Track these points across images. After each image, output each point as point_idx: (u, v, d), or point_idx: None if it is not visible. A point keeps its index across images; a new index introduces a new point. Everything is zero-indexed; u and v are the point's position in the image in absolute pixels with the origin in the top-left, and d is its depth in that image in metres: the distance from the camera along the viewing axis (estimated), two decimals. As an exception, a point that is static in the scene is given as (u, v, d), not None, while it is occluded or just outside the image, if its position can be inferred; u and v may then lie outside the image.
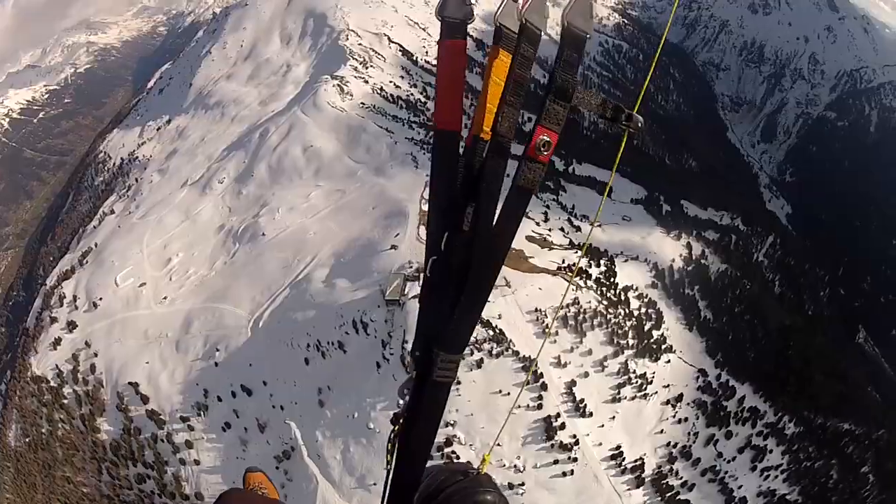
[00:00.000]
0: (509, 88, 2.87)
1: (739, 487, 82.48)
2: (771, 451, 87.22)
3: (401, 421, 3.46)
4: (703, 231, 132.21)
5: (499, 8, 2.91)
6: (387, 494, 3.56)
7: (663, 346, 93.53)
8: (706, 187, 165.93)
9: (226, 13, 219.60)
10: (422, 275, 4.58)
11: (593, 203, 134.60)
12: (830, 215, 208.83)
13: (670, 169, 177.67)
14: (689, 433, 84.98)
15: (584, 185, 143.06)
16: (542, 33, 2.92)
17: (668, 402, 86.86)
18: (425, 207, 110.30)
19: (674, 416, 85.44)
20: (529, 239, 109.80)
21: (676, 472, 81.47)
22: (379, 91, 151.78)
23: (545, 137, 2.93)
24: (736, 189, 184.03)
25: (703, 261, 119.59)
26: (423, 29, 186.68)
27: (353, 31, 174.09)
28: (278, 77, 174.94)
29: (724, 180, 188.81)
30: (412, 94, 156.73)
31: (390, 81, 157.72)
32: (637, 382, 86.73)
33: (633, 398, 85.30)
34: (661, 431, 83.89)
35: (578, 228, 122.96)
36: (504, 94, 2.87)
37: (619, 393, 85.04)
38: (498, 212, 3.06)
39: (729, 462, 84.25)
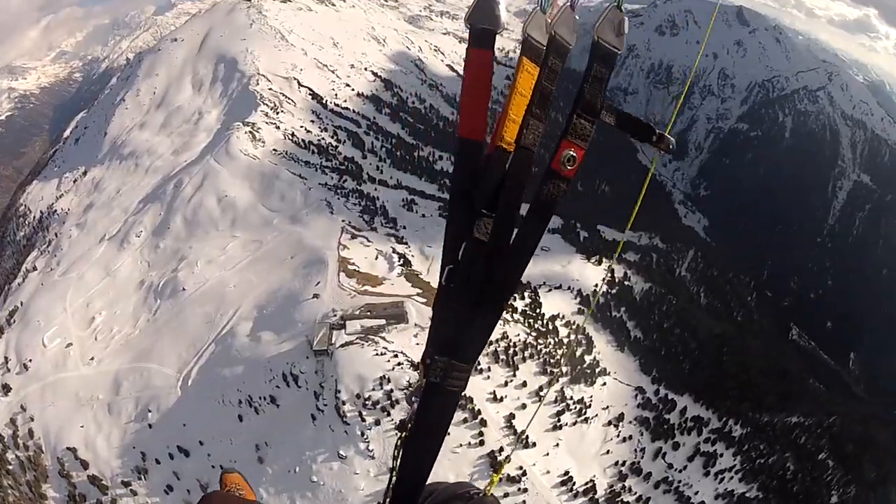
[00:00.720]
0: (535, 101, 2.88)
1: (696, 493, 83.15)
2: (721, 455, 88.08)
3: (408, 427, 3.30)
4: (623, 253, 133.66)
5: (528, 19, 2.91)
6: (387, 501, 3.45)
7: (597, 370, 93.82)
8: (620, 211, 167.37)
9: (139, 59, 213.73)
10: (438, 282, 3.04)
11: None
12: (749, 223, 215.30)
13: (584, 196, 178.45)
14: (635, 450, 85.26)
15: None
16: (571, 47, 2.98)
17: (609, 423, 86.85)
18: (343, 254, 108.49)
19: (618, 436, 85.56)
20: None
21: (629, 489, 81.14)
22: (290, 137, 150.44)
23: (570, 152, 2.92)
24: (651, 209, 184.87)
25: (626, 282, 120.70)
26: (332, 71, 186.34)
27: (263, 75, 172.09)
28: (190, 125, 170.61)
29: (637, 202, 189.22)
30: (323, 139, 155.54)
31: (301, 126, 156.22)
32: (576, 408, 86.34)
33: (574, 424, 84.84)
34: (608, 452, 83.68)
35: None
36: (530, 107, 2.88)
37: (559, 420, 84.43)
38: (520, 225, 3.00)
39: (680, 471, 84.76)
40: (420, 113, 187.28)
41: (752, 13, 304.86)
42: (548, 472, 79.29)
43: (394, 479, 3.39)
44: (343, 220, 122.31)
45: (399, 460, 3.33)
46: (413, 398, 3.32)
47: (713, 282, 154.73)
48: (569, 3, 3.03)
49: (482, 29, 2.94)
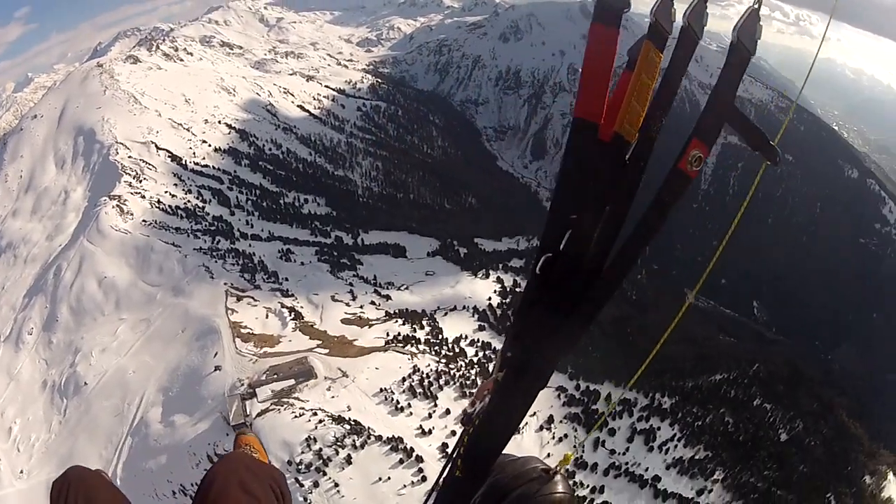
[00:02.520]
0: (664, 91, 2.80)
1: (646, 470, 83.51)
2: (659, 429, 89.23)
3: (475, 422, 3.27)
4: (507, 262, 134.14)
5: (656, 3, 2.75)
6: (436, 494, 3.53)
7: None
8: (493, 220, 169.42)
9: (3, 142, 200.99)
10: (532, 270, 2.88)
11: (392, 267, 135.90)
12: None
13: (454, 213, 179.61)
14: (574, 446, 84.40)
15: (377, 253, 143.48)
16: (700, 40, 2.82)
17: (542, 428, 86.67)
18: (233, 318, 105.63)
19: (553, 438, 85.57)
20: (346, 322, 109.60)
21: (581, 483, 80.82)
22: (157, 204, 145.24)
23: (697, 152, 2.84)
24: (521, 212, 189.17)
25: (517, 289, 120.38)
26: (188, 129, 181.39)
27: (121, 143, 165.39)
28: (59, 206, 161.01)
29: (507, 208, 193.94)
30: (189, 201, 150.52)
31: (165, 191, 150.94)
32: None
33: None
34: (549, 455, 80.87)
35: (388, 297, 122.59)
36: (658, 97, 2.77)
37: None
38: (639, 222, 2.88)
39: (624, 454, 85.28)
40: (278, 159, 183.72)
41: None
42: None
43: (450, 471, 3.37)
44: (225, 283, 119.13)
45: (464, 453, 3.26)
46: (485, 393, 3.20)
47: None
48: None
49: (608, 4, 2.74)
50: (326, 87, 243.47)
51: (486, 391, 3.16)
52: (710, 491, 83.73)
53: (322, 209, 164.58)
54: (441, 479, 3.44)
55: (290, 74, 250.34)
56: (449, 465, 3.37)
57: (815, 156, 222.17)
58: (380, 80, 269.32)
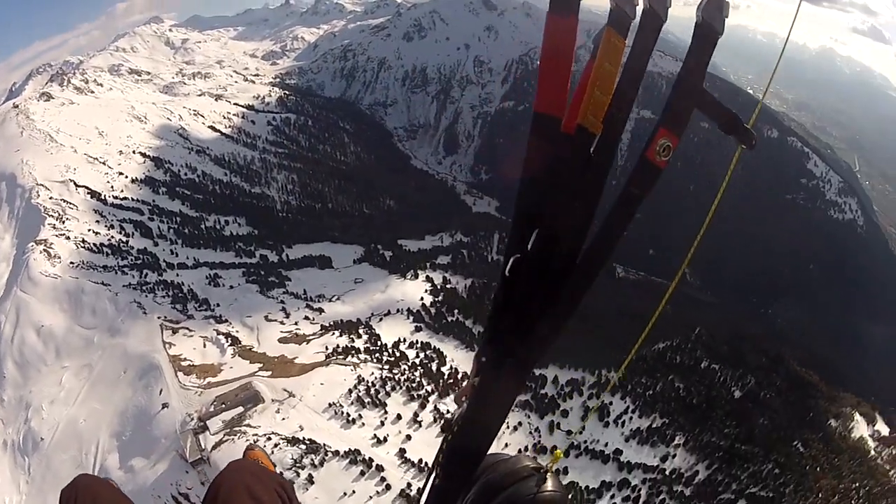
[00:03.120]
0: (626, 79, 2.65)
1: (606, 445, 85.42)
2: (611, 403, 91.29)
3: (454, 429, 3.20)
4: (433, 259, 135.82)
5: None
6: (426, 499, 3.41)
7: (459, 376, 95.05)
8: (414, 220, 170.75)
9: None
10: (500, 273, 2.78)
11: (320, 279, 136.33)
12: None
13: (374, 217, 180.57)
14: (529, 433, 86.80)
15: (303, 267, 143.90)
16: (664, 21, 2.66)
17: None
18: (172, 352, 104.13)
19: (507, 427, 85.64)
20: (283, 341, 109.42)
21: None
22: (82, 244, 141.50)
23: (666, 141, 2.73)
24: (441, 209, 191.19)
25: (448, 285, 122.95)
26: (104, 163, 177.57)
27: (41, 185, 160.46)
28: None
29: (426, 206, 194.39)
30: (112, 237, 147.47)
31: (89, 230, 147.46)
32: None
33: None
34: (506, 445, 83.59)
35: (321, 310, 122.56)
36: (620, 85, 2.63)
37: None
38: (607, 216, 2.77)
39: (581, 433, 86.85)
40: (195, 183, 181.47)
41: None
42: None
43: (434, 478, 3.30)
44: (159, 317, 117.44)
45: (443, 459, 3.23)
46: (462, 399, 3.17)
47: None
48: None
49: None
50: (235, 104, 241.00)
51: (464, 397, 3.20)
52: (674, 456, 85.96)
53: (243, 229, 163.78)
54: (428, 486, 3.45)
55: (199, 95, 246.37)
56: (434, 472, 3.38)
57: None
58: (287, 92, 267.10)
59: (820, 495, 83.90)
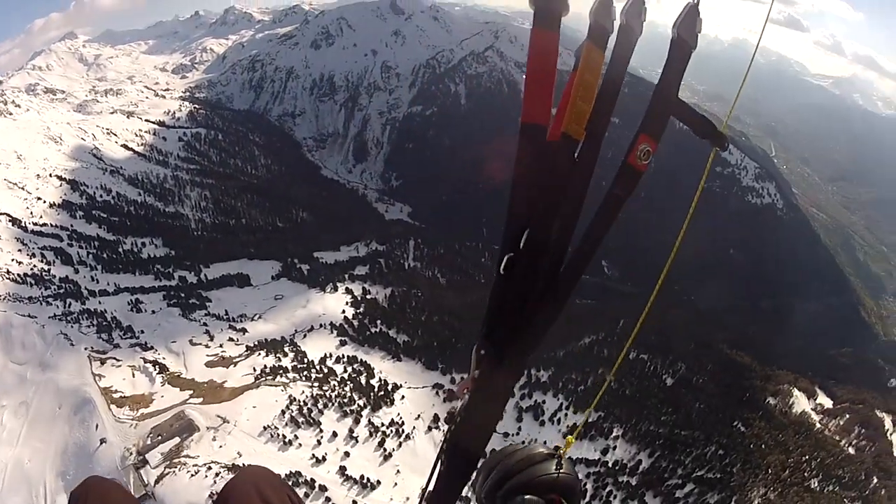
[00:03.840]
0: (606, 89, 2.82)
1: (545, 444, 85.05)
2: (544, 402, 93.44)
3: (457, 420, 3.27)
4: (352, 271, 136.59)
5: (594, 3, 2.74)
6: (432, 488, 3.49)
7: (389, 388, 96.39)
8: (328, 231, 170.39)
9: None
10: (495, 270, 3.00)
11: (241, 298, 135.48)
12: (451, 194, 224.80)
13: (289, 231, 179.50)
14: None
15: (222, 286, 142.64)
16: (639, 36, 2.82)
17: (430, 428, 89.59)
18: (102, 384, 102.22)
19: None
20: (210, 365, 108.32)
21: None
22: (6, 276, 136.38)
23: (646, 146, 2.94)
24: (355, 218, 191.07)
25: (368, 296, 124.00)
26: (22, 188, 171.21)
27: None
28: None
29: (340, 216, 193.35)
30: (35, 266, 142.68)
31: (12, 259, 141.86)
32: (391, 431, 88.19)
33: (399, 446, 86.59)
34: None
35: (244, 330, 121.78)
36: (600, 94, 2.80)
37: (384, 450, 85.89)
38: (593, 219, 3.00)
39: (517, 434, 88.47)
40: (110, 205, 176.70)
41: (406, 1, 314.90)
42: (407, 498, 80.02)
43: (440, 469, 3.46)
44: (86, 348, 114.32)
45: (448, 449, 3.36)
46: (464, 391, 3.30)
47: (444, 259, 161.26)
48: None
49: (547, 8, 2.76)
50: (147, 121, 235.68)
51: (465, 389, 3.29)
52: (615, 448, 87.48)
53: (160, 251, 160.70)
54: (434, 477, 3.51)
55: (112, 113, 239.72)
56: (439, 461, 3.47)
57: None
58: (197, 106, 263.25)
59: (770, 471, 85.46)
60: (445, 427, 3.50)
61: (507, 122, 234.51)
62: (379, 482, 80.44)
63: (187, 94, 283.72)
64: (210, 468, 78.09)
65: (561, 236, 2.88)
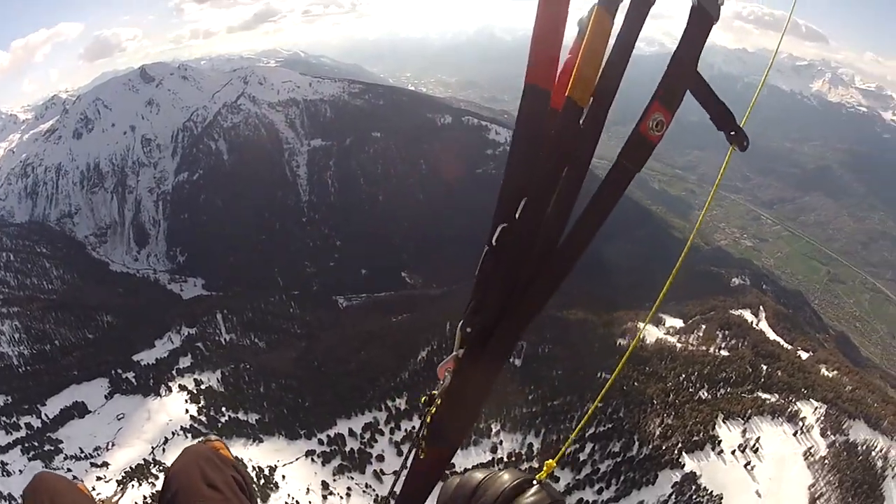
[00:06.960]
0: (614, 56, 2.53)
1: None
2: (413, 427, 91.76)
3: (438, 402, 2.98)
4: (176, 365, 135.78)
5: None
6: (404, 480, 3.30)
7: (266, 472, 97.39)
8: (136, 329, 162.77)
9: None
10: (487, 241, 2.71)
11: (86, 429, 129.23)
12: (239, 253, 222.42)
13: (100, 339, 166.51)
14: (363, 491, 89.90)
15: (66, 422, 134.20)
16: (652, 4, 2.53)
17: (325, 497, 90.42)
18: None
19: (346, 495, 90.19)
20: None
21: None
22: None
23: (659, 116, 2.54)
24: (156, 307, 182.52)
25: (202, 386, 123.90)
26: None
27: None
28: None
29: (141, 310, 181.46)
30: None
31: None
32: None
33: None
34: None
35: (106, 464, 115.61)
36: (608, 61, 2.53)
37: None
38: (597, 190, 2.61)
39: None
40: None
41: (154, 67, 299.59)
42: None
43: (415, 456, 3.17)
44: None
45: (428, 434, 3.03)
46: (446, 371, 2.93)
47: (255, 323, 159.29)
48: None
49: None
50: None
51: (447, 370, 2.90)
52: (501, 442, 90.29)
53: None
54: (408, 463, 3.20)
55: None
56: (416, 449, 3.12)
57: (406, 119, 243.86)
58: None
59: (655, 401, 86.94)
60: (424, 409, 3.08)
61: (270, 166, 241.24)
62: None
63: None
64: None
65: (560, 208, 2.58)
